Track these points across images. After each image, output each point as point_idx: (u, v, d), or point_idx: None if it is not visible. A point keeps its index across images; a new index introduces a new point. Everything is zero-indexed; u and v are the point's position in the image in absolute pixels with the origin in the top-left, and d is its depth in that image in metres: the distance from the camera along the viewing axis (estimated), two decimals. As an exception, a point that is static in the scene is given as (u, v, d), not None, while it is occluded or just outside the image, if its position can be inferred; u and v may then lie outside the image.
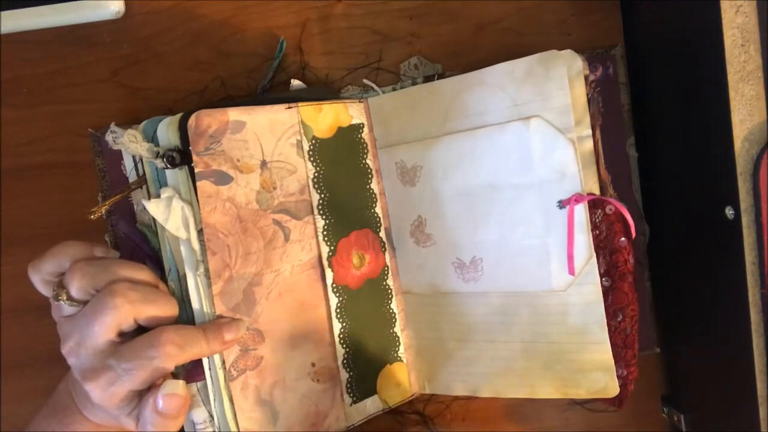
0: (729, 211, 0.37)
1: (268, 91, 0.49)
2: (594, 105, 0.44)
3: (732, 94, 0.36)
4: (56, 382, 0.43)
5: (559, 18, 0.48)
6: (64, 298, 0.37)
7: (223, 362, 0.39)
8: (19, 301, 0.51)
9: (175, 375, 0.40)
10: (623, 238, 0.42)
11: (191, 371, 0.40)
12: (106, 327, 0.36)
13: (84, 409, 0.40)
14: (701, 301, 0.43)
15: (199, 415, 0.41)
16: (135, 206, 0.45)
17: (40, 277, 0.38)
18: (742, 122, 0.36)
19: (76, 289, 0.37)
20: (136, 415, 0.38)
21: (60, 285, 0.37)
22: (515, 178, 0.42)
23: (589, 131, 0.41)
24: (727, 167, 0.36)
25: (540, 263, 0.42)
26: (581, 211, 0.40)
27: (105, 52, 0.50)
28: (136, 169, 0.44)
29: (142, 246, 0.43)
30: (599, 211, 0.42)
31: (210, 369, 0.39)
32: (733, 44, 0.35)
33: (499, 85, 0.42)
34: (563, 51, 0.40)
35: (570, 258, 0.41)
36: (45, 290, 0.39)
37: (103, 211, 0.41)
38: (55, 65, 0.50)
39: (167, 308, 0.38)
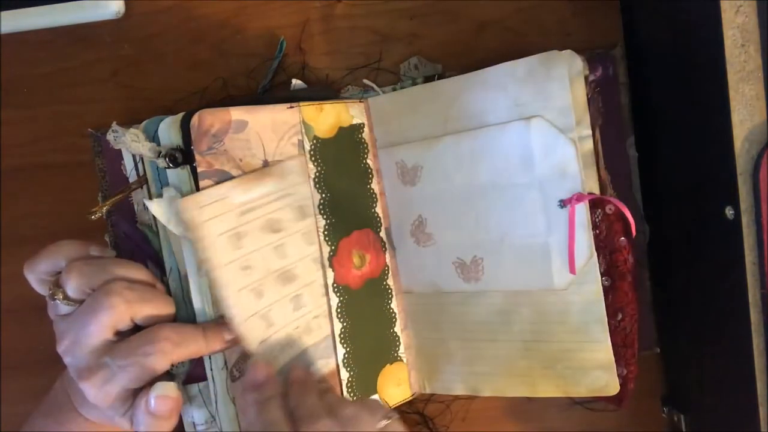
0: (729, 211, 0.37)
1: (269, 91, 0.49)
2: (594, 105, 0.44)
3: (732, 94, 0.36)
4: (56, 382, 0.43)
5: (559, 18, 0.48)
6: (61, 297, 0.37)
7: (225, 363, 0.39)
8: (19, 301, 0.51)
9: (175, 376, 0.40)
10: (623, 238, 0.42)
11: (193, 372, 0.40)
12: (102, 326, 0.36)
13: (80, 408, 0.40)
14: (701, 301, 0.43)
15: (201, 415, 0.41)
16: (135, 206, 0.45)
17: (35, 277, 0.38)
18: (742, 122, 0.36)
19: (72, 288, 0.37)
20: (130, 416, 0.38)
21: (56, 284, 0.37)
22: (516, 177, 0.42)
23: (589, 131, 0.41)
24: (727, 167, 0.36)
25: (541, 262, 0.42)
26: (582, 211, 0.41)
27: (105, 52, 0.50)
28: (137, 169, 0.44)
29: (142, 246, 0.43)
30: (599, 210, 0.42)
31: (212, 370, 0.39)
32: (733, 44, 0.35)
33: (500, 85, 0.42)
34: (563, 51, 0.40)
35: (571, 257, 0.41)
36: (41, 289, 0.39)
37: (104, 211, 0.41)
38: (55, 65, 0.50)
39: (164, 307, 0.38)
